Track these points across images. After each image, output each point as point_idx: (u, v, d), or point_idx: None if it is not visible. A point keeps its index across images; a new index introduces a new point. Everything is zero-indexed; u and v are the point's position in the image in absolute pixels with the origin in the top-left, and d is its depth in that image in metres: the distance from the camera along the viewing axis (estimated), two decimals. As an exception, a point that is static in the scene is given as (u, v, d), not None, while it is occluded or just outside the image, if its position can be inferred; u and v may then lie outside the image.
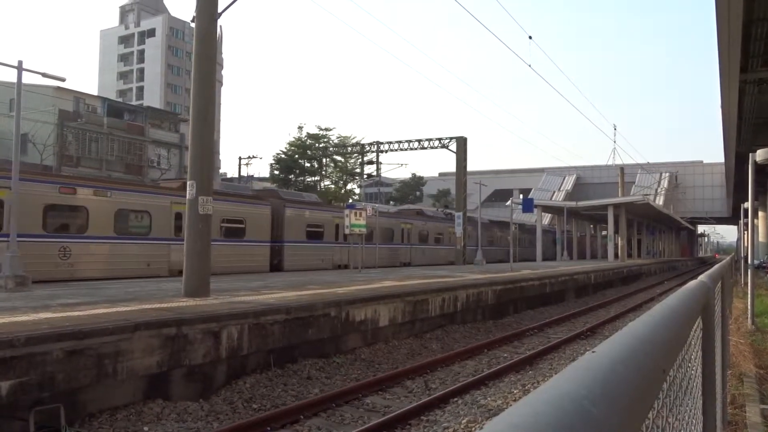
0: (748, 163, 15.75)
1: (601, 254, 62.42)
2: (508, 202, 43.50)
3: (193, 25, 12.75)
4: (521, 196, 54.14)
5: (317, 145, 59.23)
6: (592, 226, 67.94)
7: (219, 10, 12.49)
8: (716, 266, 6.62)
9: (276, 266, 25.09)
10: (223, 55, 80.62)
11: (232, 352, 9.10)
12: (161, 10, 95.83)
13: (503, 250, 47.37)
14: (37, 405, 6.60)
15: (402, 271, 24.55)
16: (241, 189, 27.53)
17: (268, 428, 7.30)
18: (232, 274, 20.41)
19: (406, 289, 13.98)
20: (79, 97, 47.32)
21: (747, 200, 18.38)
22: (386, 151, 50.49)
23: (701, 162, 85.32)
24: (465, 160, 43.24)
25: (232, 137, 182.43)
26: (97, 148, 45.10)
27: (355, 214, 23.04)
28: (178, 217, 19.43)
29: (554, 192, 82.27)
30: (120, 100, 76.58)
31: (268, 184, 59.80)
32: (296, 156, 58.42)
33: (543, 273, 23.36)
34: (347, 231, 23.10)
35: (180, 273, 24.87)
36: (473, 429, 7.15)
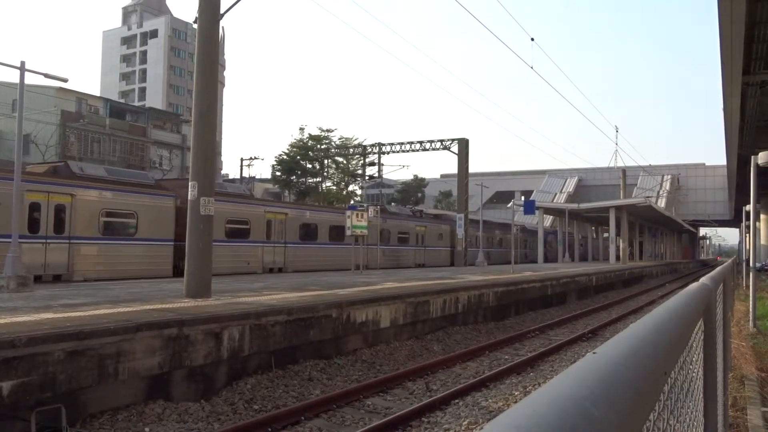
0: (750, 166, 15.74)
1: (603, 256, 62.38)
2: (510, 204, 43.46)
3: (195, 26, 12.78)
4: (523, 197, 54.13)
5: (319, 146, 59.23)
6: (593, 228, 67.88)
7: (221, 11, 12.51)
8: (718, 269, 6.61)
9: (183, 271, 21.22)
10: (225, 56, 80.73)
11: (233, 353, 9.10)
12: (164, 11, 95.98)
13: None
14: (39, 405, 6.61)
15: (403, 273, 24.54)
16: (137, 176, 22.53)
17: (269, 429, 7.30)
18: (111, 280, 17.69)
19: (407, 291, 13.97)
20: (81, 97, 47.41)
21: (749, 203, 18.36)
22: (388, 153, 50.51)
23: (703, 164, 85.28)
24: (467, 161, 43.22)
25: (235, 138, 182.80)
26: (99, 148, 45.18)
27: (357, 215, 23.05)
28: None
29: (556, 194, 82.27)
30: (122, 100, 76.72)
31: (269, 186, 59.92)
32: (298, 157, 58.42)
33: (544, 275, 23.33)
34: (349, 232, 23.08)
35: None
36: (474, 430, 7.14)
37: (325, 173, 61.00)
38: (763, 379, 7.93)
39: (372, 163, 55.25)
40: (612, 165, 67.73)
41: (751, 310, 14.14)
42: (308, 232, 27.70)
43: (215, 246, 20.51)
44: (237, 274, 22.12)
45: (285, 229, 26.09)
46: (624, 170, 61.27)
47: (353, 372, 10.48)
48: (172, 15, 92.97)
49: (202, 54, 12.44)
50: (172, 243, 20.62)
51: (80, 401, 7.18)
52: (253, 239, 24.38)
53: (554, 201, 73.74)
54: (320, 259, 27.95)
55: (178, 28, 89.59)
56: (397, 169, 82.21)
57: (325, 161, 60.27)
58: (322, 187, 59.53)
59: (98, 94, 62.04)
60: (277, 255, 25.59)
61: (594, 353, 0.91)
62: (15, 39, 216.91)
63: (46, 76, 15.03)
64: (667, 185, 79.98)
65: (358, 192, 65.54)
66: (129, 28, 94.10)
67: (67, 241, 18.14)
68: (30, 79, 15.29)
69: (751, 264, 17.52)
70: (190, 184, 12.10)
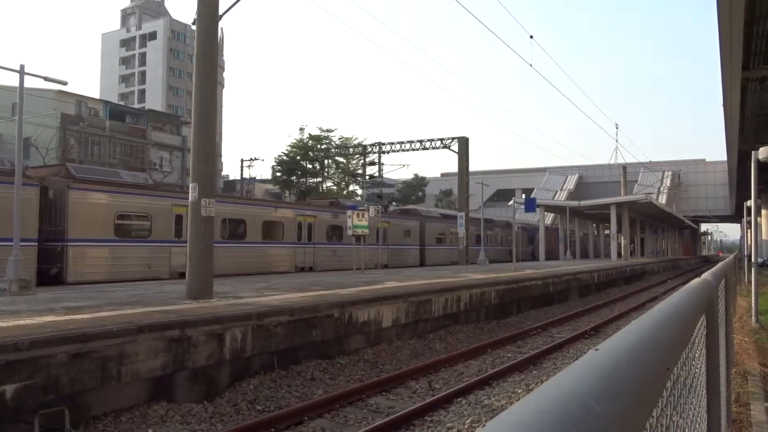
0: (750, 161, 15.73)
1: (604, 253, 62.35)
2: (511, 202, 43.42)
3: (194, 27, 12.77)
4: (523, 195, 54.08)
5: (319, 146, 59.24)
6: (594, 225, 67.83)
7: (220, 13, 12.51)
8: (719, 264, 6.61)
9: (54, 277, 17.34)
10: (225, 58, 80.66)
11: (235, 353, 9.11)
12: (162, 12, 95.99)
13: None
14: (42, 408, 6.61)
15: (404, 272, 24.54)
16: None
17: (272, 429, 7.30)
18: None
19: (409, 290, 13.97)
20: (81, 100, 47.43)
21: (750, 198, 18.34)
22: (388, 152, 50.55)
23: (704, 160, 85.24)
24: (467, 160, 43.24)
25: (235, 139, 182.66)
26: (99, 151, 45.22)
27: (357, 215, 23.05)
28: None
29: (557, 191, 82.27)
30: (122, 103, 76.77)
31: (270, 186, 59.95)
32: (298, 158, 58.44)
33: (546, 272, 23.32)
34: (350, 232, 23.06)
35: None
36: (477, 428, 7.14)
37: (325, 173, 61.03)
38: (766, 375, 7.92)
39: (372, 163, 55.30)
40: (612, 162, 67.80)
41: (753, 305, 14.13)
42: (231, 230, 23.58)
43: (104, 247, 18.62)
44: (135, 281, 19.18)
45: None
46: (624, 167, 61.25)
47: (356, 372, 10.48)
48: (170, 17, 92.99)
49: (201, 55, 12.44)
50: (36, 244, 16.66)
51: (83, 403, 7.19)
52: (155, 239, 20.56)
53: (555, 198, 73.73)
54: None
55: (177, 30, 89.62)
56: (398, 169, 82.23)
57: (326, 161, 60.30)
58: (322, 188, 59.56)
59: (98, 97, 62.07)
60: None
61: (596, 350, 0.92)
62: (14, 42, 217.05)
63: (46, 79, 15.03)
64: (667, 181, 79.94)
65: (359, 192, 65.54)
66: (128, 31, 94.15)
67: None
68: (30, 83, 15.31)
69: (752, 259, 17.52)
70: (190, 185, 12.10)
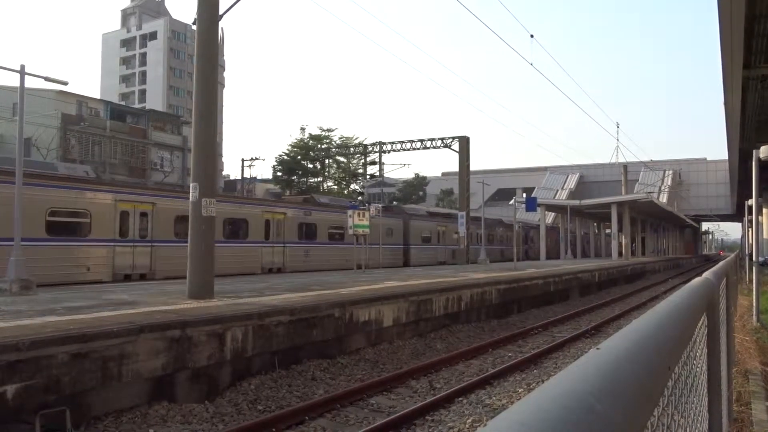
0: (751, 160, 15.73)
1: (605, 252, 62.34)
2: (512, 201, 43.38)
3: (194, 27, 12.77)
4: (524, 195, 54.08)
5: (319, 146, 59.27)
6: (595, 224, 67.84)
7: (220, 12, 12.51)
8: (721, 263, 6.61)
9: None
10: (225, 57, 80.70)
11: (236, 353, 9.11)
12: (163, 12, 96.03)
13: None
14: (43, 408, 6.62)
15: (405, 271, 24.53)
16: None
17: (273, 429, 7.30)
18: None
19: (410, 290, 13.97)
20: (81, 100, 47.45)
21: (751, 197, 18.33)
22: (389, 152, 50.58)
23: (705, 159, 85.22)
24: (468, 159, 43.26)
25: (235, 139, 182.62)
26: (100, 151, 45.23)
27: (358, 214, 23.06)
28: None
29: (557, 191, 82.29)
30: (122, 103, 76.83)
31: (271, 186, 59.95)
32: (299, 157, 58.47)
33: (547, 272, 23.32)
34: (351, 231, 23.06)
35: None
36: (478, 428, 7.13)
37: (326, 173, 61.08)
38: (767, 374, 7.92)
39: (373, 162, 55.31)
40: (613, 161, 67.75)
41: (754, 304, 14.12)
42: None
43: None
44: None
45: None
46: (625, 166, 61.21)
47: (357, 371, 10.48)
48: (171, 17, 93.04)
49: (202, 55, 12.44)
50: None
51: (84, 403, 7.19)
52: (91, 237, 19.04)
53: (556, 198, 73.74)
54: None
55: (177, 30, 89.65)
56: (399, 168, 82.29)
57: (326, 161, 60.35)
58: (323, 187, 59.59)
59: (98, 97, 62.10)
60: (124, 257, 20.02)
61: (597, 349, 0.91)
62: (15, 42, 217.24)
63: (47, 79, 15.03)
64: (668, 180, 79.92)
65: (360, 191, 65.57)
66: (128, 31, 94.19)
67: None
68: (30, 83, 15.32)
69: (753, 258, 17.51)
70: (191, 185, 12.11)
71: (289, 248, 26.54)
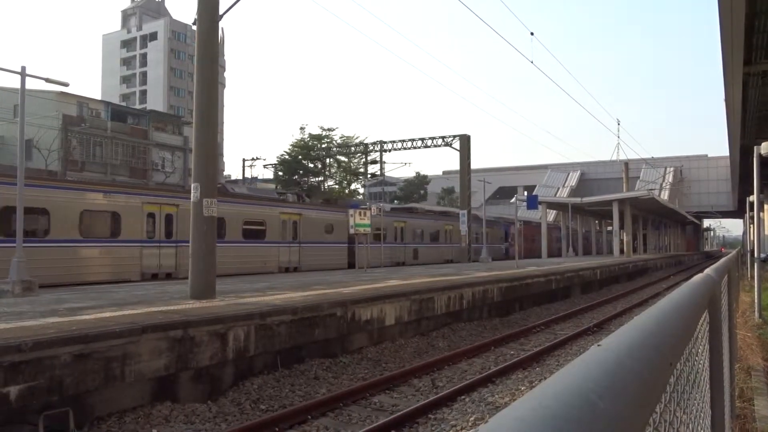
0: (752, 156, 15.71)
1: (607, 250, 62.30)
2: (513, 200, 43.33)
3: (194, 27, 12.77)
4: (525, 193, 54.03)
5: (320, 145, 59.27)
6: (597, 221, 67.79)
7: (220, 12, 12.51)
8: (722, 260, 6.60)
9: None
10: (226, 57, 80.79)
11: (239, 353, 9.12)
12: (163, 13, 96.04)
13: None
14: (46, 409, 6.63)
15: (406, 270, 24.53)
16: None
17: (276, 429, 7.31)
18: None
19: (412, 288, 13.98)
20: (82, 101, 47.50)
21: (752, 193, 18.30)
22: (390, 151, 50.63)
23: (706, 156, 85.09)
24: (468, 158, 43.25)
25: (236, 139, 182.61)
26: (101, 152, 45.27)
27: (360, 213, 23.06)
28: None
29: (558, 188, 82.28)
30: (123, 103, 76.88)
31: (272, 186, 59.96)
32: (299, 157, 58.47)
33: (548, 270, 23.32)
34: (352, 230, 23.07)
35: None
36: (480, 426, 7.13)
37: (327, 172, 61.08)
38: (769, 370, 7.91)
39: (374, 161, 55.33)
40: (614, 158, 67.84)
41: (756, 300, 14.12)
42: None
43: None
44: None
45: None
46: (626, 163, 61.23)
47: (359, 370, 10.49)
48: (171, 17, 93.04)
49: (202, 55, 12.44)
50: None
51: (87, 404, 7.20)
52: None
53: (557, 195, 73.73)
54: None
55: (177, 30, 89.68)
56: (400, 167, 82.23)
57: (327, 160, 60.34)
58: (324, 187, 59.60)
59: (99, 98, 62.14)
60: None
61: (599, 346, 0.91)
62: (15, 44, 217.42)
63: (47, 80, 15.03)
64: (669, 177, 79.87)
65: (361, 190, 65.59)
66: (128, 31, 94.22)
67: None
68: (31, 84, 15.35)
69: (755, 254, 17.49)
70: (192, 185, 12.11)
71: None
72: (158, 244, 20.72)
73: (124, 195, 20.35)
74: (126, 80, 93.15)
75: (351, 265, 28.78)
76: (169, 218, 20.87)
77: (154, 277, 20.17)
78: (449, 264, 35.20)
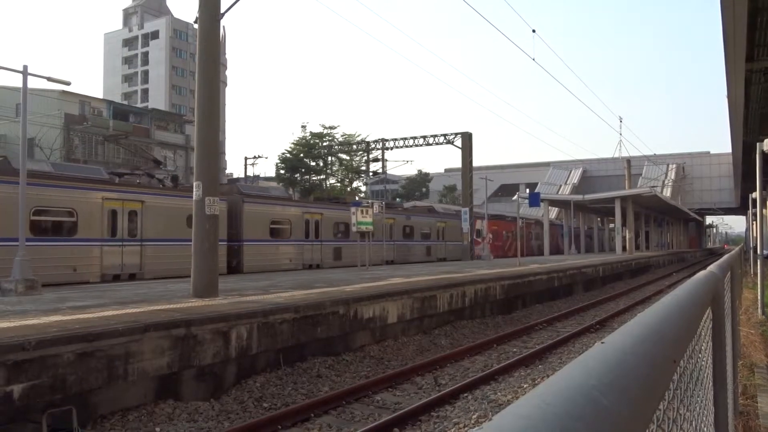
0: (755, 153, 15.67)
1: (609, 247, 62.23)
2: (515, 197, 43.26)
3: (196, 26, 12.77)
4: (527, 190, 53.99)
5: (322, 143, 59.25)
6: (599, 219, 67.71)
7: (221, 11, 12.51)
8: (725, 257, 6.59)
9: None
10: (227, 56, 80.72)
11: (241, 351, 9.13)
12: (164, 12, 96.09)
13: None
14: (50, 407, 6.65)
15: (407, 269, 24.52)
16: None
17: (279, 427, 7.32)
18: None
19: (414, 286, 13.98)
20: (84, 100, 47.57)
21: (755, 190, 18.27)
22: (391, 148, 50.55)
23: (708, 153, 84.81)
24: (470, 155, 43.16)
25: (238, 137, 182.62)
26: (103, 150, 45.33)
27: (362, 211, 23.06)
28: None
29: (561, 186, 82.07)
30: (125, 102, 76.95)
31: (274, 184, 60.02)
32: (301, 155, 58.45)
33: (551, 267, 23.30)
34: (354, 229, 23.08)
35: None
36: (483, 424, 7.14)
37: (328, 170, 61.06)
38: (772, 367, 7.90)
39: (376, 159, 55.31)
40: (616, 155, 67.53)
41: (759, 297, 14.10)
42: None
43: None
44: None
45: None
46: (629, 160, 61.10)
47: (362, 368, 10.50)
48: (172, 16, 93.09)
49: (204, 54, 12.44)
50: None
51: (91, 402, 7.22)
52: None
53: (559, 193, 73.60)
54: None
55: (178, 29, 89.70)
56: (401, 165, 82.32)
57: (329, 158, 60.33)
58: (326, 185, 59.60)
59: (101, 97, 62.21)
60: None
61: (602, 343, 0.91)
62: (17, 43, 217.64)
63: (49, 79, 15.05)
64: (672, 174, 79.64)
65: (363, 188, 65.57)
66: (130, 30, 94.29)
67: None
68: (33, 83, 15.34)
69: (758, 251, 17.45)
70: (194, 184, 12.12)
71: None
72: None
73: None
74: (128, 79, 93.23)
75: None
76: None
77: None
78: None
